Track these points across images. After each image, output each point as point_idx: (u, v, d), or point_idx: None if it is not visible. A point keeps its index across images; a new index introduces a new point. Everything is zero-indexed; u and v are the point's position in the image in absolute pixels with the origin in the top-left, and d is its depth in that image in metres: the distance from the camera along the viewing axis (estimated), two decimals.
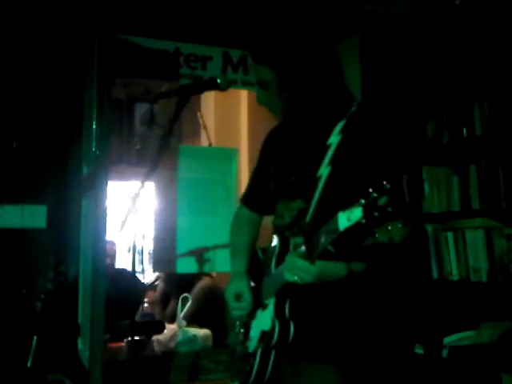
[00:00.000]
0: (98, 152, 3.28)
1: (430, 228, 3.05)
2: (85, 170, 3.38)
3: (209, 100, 5.36)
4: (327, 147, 1.61)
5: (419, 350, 2.95)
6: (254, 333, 1.70)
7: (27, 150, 3.27)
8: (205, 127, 5.17)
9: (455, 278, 2.90)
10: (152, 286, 5.09)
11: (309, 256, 1.41)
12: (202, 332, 4.13)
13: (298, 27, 1.75)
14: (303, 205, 1.64)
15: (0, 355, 3.02)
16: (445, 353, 2.78)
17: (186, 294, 4.38)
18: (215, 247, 3.97)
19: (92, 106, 3.33)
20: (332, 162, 1.59)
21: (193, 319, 4.32)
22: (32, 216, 3.24)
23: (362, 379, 1.61)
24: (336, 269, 1.51)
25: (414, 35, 3.21)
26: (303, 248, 1.44)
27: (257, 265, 1.83)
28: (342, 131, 1.62)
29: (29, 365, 2.94)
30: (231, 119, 5.32)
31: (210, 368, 3.76)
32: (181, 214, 4.10)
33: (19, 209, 3.22)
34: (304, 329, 1.58)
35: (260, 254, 1.88)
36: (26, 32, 3.27)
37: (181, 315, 4.25)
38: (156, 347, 4.09)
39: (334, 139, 1.62)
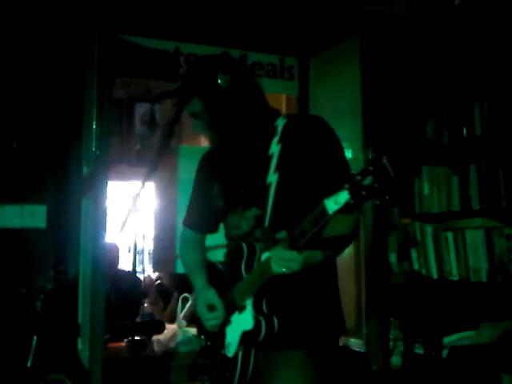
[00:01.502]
0: (97, 152, 3.28)
1: (429, 228, 3.05)
2: (85, 170, 3.38)
3: None
4: (270, 157, 1.77)
5: (419, 350, 2.96)
6: (232, 337, 1.78)
7: (27, 150, 3.27)
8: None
9: (455, 278, 2.90)
10: (151, 286, 5.09)
11: (295, 246, 1.52)
12: None
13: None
14: (259, 212, 1.76)
15: (0, 355, 3.02)
16: (445, 353, 2.78)
17: (185, 294, 4.38)
18: (215, 247, 3.97)
19: (92, 106, 3.33)
20: (278, 169, 1.74)
21: (192, 318, 4.32)
22: (32, 216, 3.24)
23: (328, 363, 1.78)
24: (315, 256, 1.65)
25: (414, 35, 3.22)
26: (286, 241, 1.54)
27: (218, 276, 1.91)
28: (281, 141, 1.77)
29: (29, 365, 2.94)
30: None
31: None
32: (181, 214, 4.08)
33: (19, 209, 3.22)
34: (284, 320, 1.70)
35: (219, 266, 1.96)
36: (26, 32, 3.27)
37: (181, 315, 4.25)
38: (156, 347, 4.09)
39: (275, 149, 1.77)
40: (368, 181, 1.32)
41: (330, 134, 1.77)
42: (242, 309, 1.74)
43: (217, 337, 1.85)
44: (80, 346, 3.28)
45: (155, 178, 5.60)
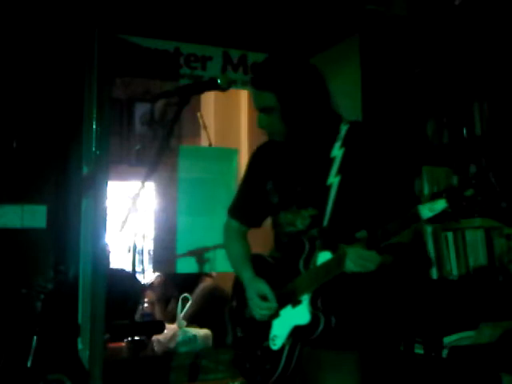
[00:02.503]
0: (98, 152, 3.28)
1: (429, 228, 3.05)
2: (85, 170, 3.38)
3: (209, 100, 5.36)
4: (332, 159, 1.82)
5: (419, 350, 2.95)
6: (280, 330, 1.81)
7: (27, 150, 3.27)
8: (205, 127, 5.17)
9: (455, 278, 2.90)
10: (151, 286, 5.08)
11: (375, 247, 1.58)
12: (202, 332, 4.14)
13: (295, 53, 1.90)
14: (315, 212, 1.82)
15: (0, 355, 3.02)
16: (445, 353, 2.78)
17: (185, 294, 4.39)
18: (215, 247, 3.97)
19: (92, 106, 3.33)
20: (340, 172, 1.80)
21: (194, 320, 4.32)
22: (32, 216, 3.24)
23: (376, 367, 1.84)
24: (387, 259, 1.69)
25: (414, 35, 3.22)
26: (364, 241, 1.60)
27: (268, 268, 1.93)
28: (344, 145, 1.82)
29: (29, 365, 2.94)
30: (231, 119, 5.33)
31: (210, 368, 3.76)
32: (181, 213, 4.10)
33: (19, 209, 3.21)
34: (340, 320, 1.75)
35: (268, 259, 1.99)
36: (26, 32, 3.27)
37: (181, 315, 4.25)
38: (156, 347, 4.09)
39: (338, 152, 1.82)
40: (470, 192, 1.40)
41: (392, 144, 1.84)
42: (296, 303, 1.77)
43: (258, 328, 1.88)
44: (80, 346, 3.28)
45: (155, 178, 5.60)
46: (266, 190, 1.96)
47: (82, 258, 3.39)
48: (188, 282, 4.60)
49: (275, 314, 1.83)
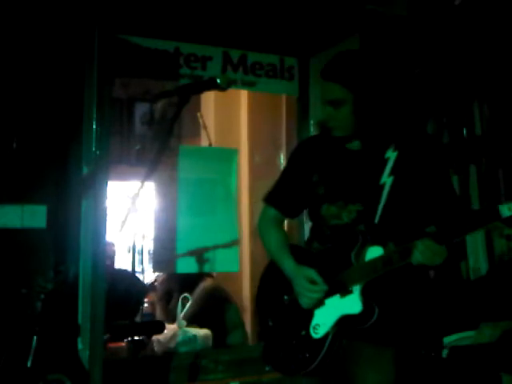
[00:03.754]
0: (97, 152, 3.28)
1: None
2: (85, 170, 3.38)
3: (209, 100, 5.36)
4: (386, 160, 1.89)
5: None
6: (325, 319, 1.83)
7: (27, 149, 3.27)
8: (205, 127, 5.17)
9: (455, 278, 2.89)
10: (152, 286, 5.08)
11: (446, 242, 1.64)
12: (202, 332, 4.14)
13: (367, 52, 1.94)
14: (362, 208, 1.88)
15: (0, 355, 3.01)
16: (445, 353, 2.78)
17: (185, 294, 4.38)
18: (215, 247, 3.97)
19: (92, 106, 3.33)
20: (393, 173, 1.87)
21: (194, 320, 4.32)
22: (32, 216, 3.24)
23: (409, 365, 1.97)
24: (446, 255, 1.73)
25: (414, 35, 3.22)
26: (433, 235, 1.65)
27: (312, 259, 1.95)
28: (397, 148, 1.89)
29: (29, 365, 2.94)
30: (231, 119, 5.32)
31: (210, 368, 3.75)
32: (181, 214, 4.09)
33: (19, 209, 3.21)
34: (393, 312, 1.82)
35: (312, 250, 2.02)
36: (25, 32, 3.26)
37: (181, 315, 4.25)
38: (156, 347, 4.09)
39: (391, 154, 1.89)
40: None
41: (443, 154, 1.96)
42: (346, 293, 1.81)
43: (296, 317, 1.90)
44: (80, 346, 3.28)
45: (155, 178, 5.59)
46: (312, 182, 1.99)
47: (82, 258, 3.38)
48: (189, 282, 4.60)
49: (320, 303, 1.85)
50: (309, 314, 1.88)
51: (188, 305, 4.33)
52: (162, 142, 1.83)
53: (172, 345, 4.05)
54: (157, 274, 5.30)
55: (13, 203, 3.20)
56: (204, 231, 4.02)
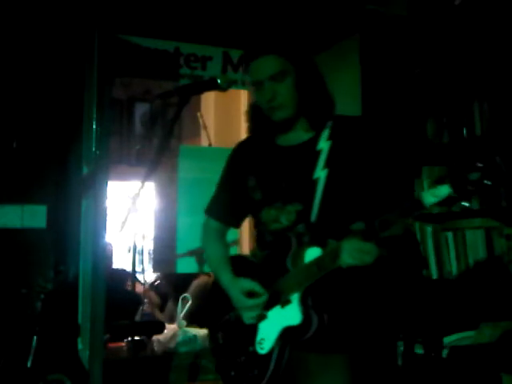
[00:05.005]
0: (97, 152, 3.28)
1: (429, 228, 3.05)
2: (85, 170, 3.38)
3: (209, 100, 5.36)
4: (318, 152, 1.75)
5: (419, 350, 2.95)
6: (269, 333, 1.71)
7: (27, 149, 3.27)
8: (205, 127, 5.17)
9: (455, 278, 2.90)
10: (151, 285, 5.09)
11: (372, 238, 1.50)
12: (202, 332, 4.13)
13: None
14: (301, 207, 1.73)
15: (0, 355, 3.01)
16: (445, 353, 2.78)
17: (186, 294, 4.39)
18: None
19: (92, 106, 3.33)
20: (327, 165, 1.72)
21: (191, 317, 4.32)
22: (32, 216, 3.24)
23: (366, 368, 1.74)
24: (382, 251, 1.61)
25: (414, 35, 3.21)
26: (361, 233, 1.52)
27: (250, 268, 1.84)
28: (330, 138, 1.75)
29: (29, 365, 2.94)
30: (231, 119, 5.32)
31: (210, 368, 3.75)
32: (181, 214, 4.09)
33: (19, 209, 3.21)
34: (335, 318, 1.67)
35: (249, 258, 1.92)
36: (26, 32, 3.27)
37: (181, 315, 4.25)
38: (156, 347, 4.09)
39: (324, 145, 1.75)
40: (475, 176, 1.33)
41: (381, 134, 1.78)
42: (285, 303, 1.68)
43: (242, 333, 1.79)
44: (80, 346, 3.28)
45: (155, 178, 5.59)
46: (248, 187, 1.87)
47: (81, 258, 3.39)
48: (183, 281, 4.60)
49: (263, 316, 1.74)
50: (254, 329, 1.75)
51: (188, 305, 4.34)
52: (162, 142, 1.82)
53: (172, 345, 4.05)
54: (156, 273, 5.31)
55: (13, 203, 3.20)
56: None
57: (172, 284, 4.83)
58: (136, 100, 6.10)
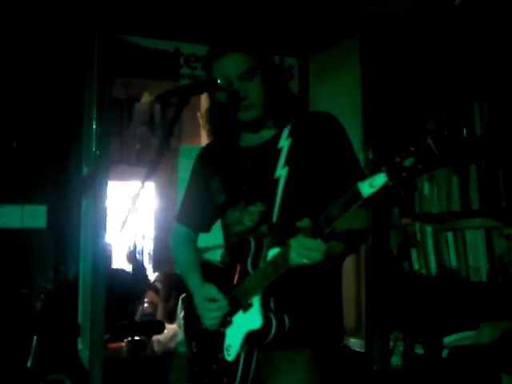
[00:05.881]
0: (97, 152, 3.28)
1: (429, 228, 3.05)
2: (85, 170, 3.38)
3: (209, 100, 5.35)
4: (279, 151, 1.72)
5: (419, 350, 2.96)
6: (234, 338, 1.69)
7: (27, 149, 3.27)
8: (205, 127, 5.17)
9: (455, 278, 2.90)
10: (151, 286, 5.09)
11: (319, 235, 1.44)
12: None
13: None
14: (264, 207, 1.71)
15: (0, 355, 3.02)
16: (445, 353, 2.78)
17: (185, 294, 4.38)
18: (215, 247, 3.96)
19: (92, 106, 3.33)
20: (288, 163, 1.70)
21: (185, 324, 4.31)
22: (32, 216, 3.24)
23: (331, 365, 1.73)
24: (336, 247, 1.59)
25: (414, 35, 3.21)
26: (308, 230, 1.46)
27: (216, 274, 1.83)
28: (291, 135, 1.73)
29: (29, 365, 2.94)
30: None
31: None
32: None
33: (19, 209, 3.22)
34: (293, 319, 1.63)
35: (216, 263, 1.90)
36: (26, 32, 3.27)
37: (181, 315, 4.25)
38: (156, 347, 4.09)
39: (284, 143, 1.73)
40: (409, 162, 1.26)
41: (340, 130, 1.75)
42: (247, 307, 1.65)
43: (212, 340, 1.77)
44: (80, 346, 3.28)
45: (155, 178, 5.60)
46: (212, 190, 1.86)
47: (81, 258, 3.39)
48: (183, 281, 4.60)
49: (228, 322, 1.71)
50: (222, 336, 1.72)
51: None
52: (162, 142, 1.81)
53: (172, 345, 4.05)
54: (156, 273, 5.31)
55: (13, 203, 3.20)
56: None
57: (172, 284, 4.83)
58: (136, 100, 6.10)
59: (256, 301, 1.63)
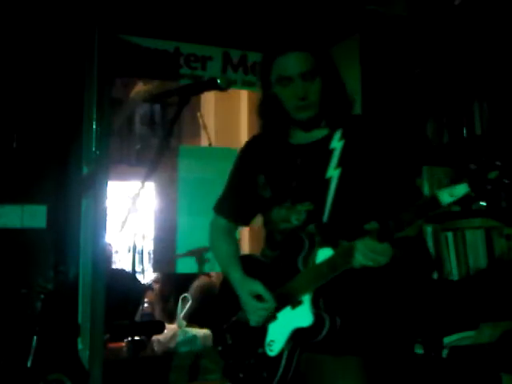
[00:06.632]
0: (97, 152, 3.28)
1: (429, 228, 3.05)
2: (85, 170, 3.38)
3: (209, 100, 5.36)
4: (331, 151, 1.73)
5: (419, 350, 2.95)
6: (278, 334, 1.68)
7: (27, 149, 3.27)
8: (205, 127, 5.17)
9: (455, 278, 2.90)
10: (150, 286, 5.09)
11: (387, 239, 1.46)
12: (202, 332, 4.14)
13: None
14: (311, 207, 1.71)
15: (0, 355, 3.01)
16: (445, 353, 2.78)
17: (185, 294, 4.39)
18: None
19: (92, 106, 3.33)
20: (340, 164, 1.70)
21: (191, 318, 4.32)
22: (32, 216, 3.24)
23: (379, 372, 1.70)
24: (397, 253, 1.57)
25: (414, 35, 3.21)
26: (375, 233, 1.47)
27: (260, 268, 1.81)
28: (344, 137, 1.74)
29: (29, 365, 2.94)
30: (231, 119, 5.33)
31: (210, 368, 3.76)
32: (181, 214, 4.10)
33: (19, 209, 3.21)
34: (347, 320, 1.63)
35: (260, 258, 1.88)
36: (26, 32, 3.27)
37: (181, 315, 4.25)
38: (156, 347, 4.09)
39: (337, 144, 1.73)
40: (494, 175, 1.28)
41: (393, 134, 1.77)
42: (296, 304, 1.65)
43: (251, 334, 1.75)
44: (80, 346, 3.28)
45: (155, 178, 5.59)
46: (257, 184, 1.85)
47: (81, 258, 3.39)
48: (184, 282, 4.61)
49: (272, 317, 1.70)
50: (263, 330, 1.72)
51: (188, 305, 4.34)
52: (162, 142, 1.81)
53: (172, 345, 4.05)
54: (156, 273, 5.31)
55: (13, 203, 3.20)
56: (204, 231, 4.01)
57: (172, 284, 4.83)
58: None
59: (307, 298, 1.62)
